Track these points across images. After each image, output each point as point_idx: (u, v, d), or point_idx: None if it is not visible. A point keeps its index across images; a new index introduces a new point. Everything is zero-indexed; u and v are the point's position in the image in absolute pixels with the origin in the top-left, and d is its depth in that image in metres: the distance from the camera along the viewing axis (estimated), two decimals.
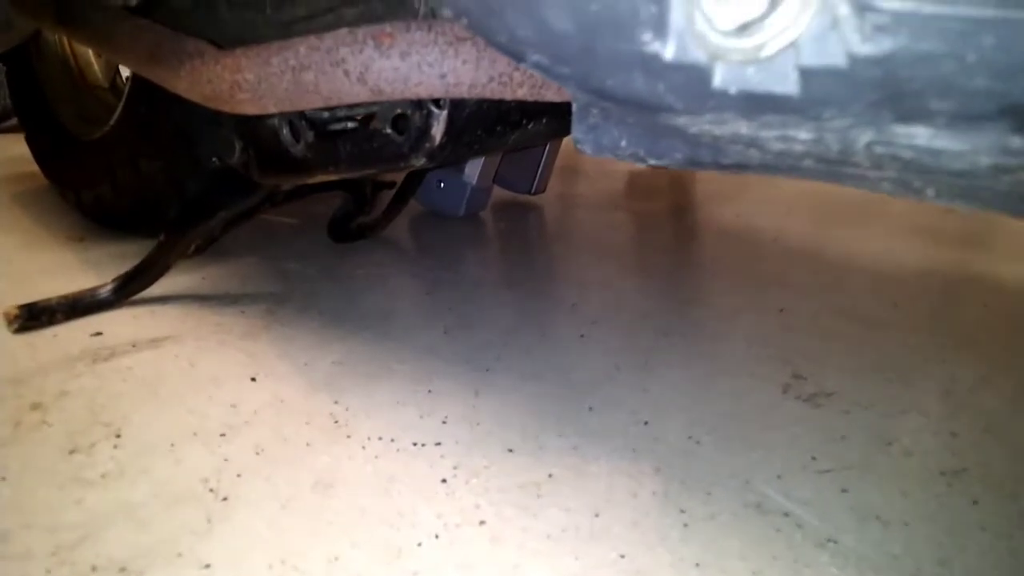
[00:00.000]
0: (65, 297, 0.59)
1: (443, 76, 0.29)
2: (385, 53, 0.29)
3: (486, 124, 0.35)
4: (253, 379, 0.51)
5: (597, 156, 0.25)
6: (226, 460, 0.41)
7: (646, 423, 0.46)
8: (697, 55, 0.16)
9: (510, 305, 0.66)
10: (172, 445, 0.43)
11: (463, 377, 0.52)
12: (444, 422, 0.46)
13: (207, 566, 0.33)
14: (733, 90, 0.16)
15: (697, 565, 0.33)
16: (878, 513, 0.37)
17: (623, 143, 0.24)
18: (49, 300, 0.58)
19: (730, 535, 0.36)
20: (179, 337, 0.57)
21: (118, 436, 0.43)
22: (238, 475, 0.40)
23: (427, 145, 0.36)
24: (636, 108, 0.19)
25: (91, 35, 0.40)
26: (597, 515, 0.37)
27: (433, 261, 0.78)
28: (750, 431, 0.45)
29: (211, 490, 0.39)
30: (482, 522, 0.36)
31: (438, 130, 0.35)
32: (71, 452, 0.42)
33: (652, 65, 0.16)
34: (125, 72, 0.83)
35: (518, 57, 0.23)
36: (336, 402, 0.48)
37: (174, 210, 0.72)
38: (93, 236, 0.82)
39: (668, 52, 0.16)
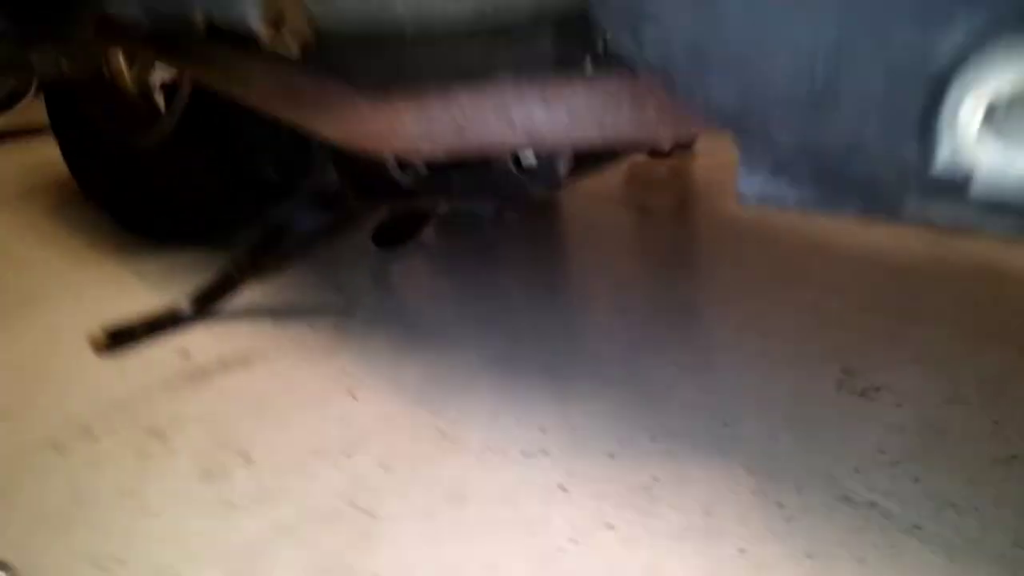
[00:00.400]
0: (145, 316, 0.61)
1: (602, 126, 0.32)
2: (551, 107, 0.32)
3: (598, 157, 0.38)
4: (353, 396, 0.54)
5: (756, 205, 0.28)
6: (357, 477, 0.44)
7: (726, 424, 0.51)
8: (961, 167, 0.19)
9: (560, 309, 0.70)
10: (302, 464, 0.46)
11: (544, 385, 0.55)
12: (543, 431, 0.50)
13: None
14: (983, 197, 0.19)
15: (809, 556, 0.38)
16: (951, 500, 0.42)
17: (792, 199, 0.27)
18: (130, 321, 0.60)
19: (829, 526, 0.41)
20: (263, 354, 0.59)
21: (248, 459, 0.46)
22: (374, 491, 0.43)
23: (549, 179, 0.39)
24: (846, 185, 0.21)
25: (222, 76, 0.41)
26: (709, 514, 0.42)
27: (474, 265, 0.81)
28: (817, 427, 0.50)
29: (355, 506, 0.42)
30: (610, 526, 0.41)
31: (563, 167, 0.38)
32: (206, 477, 0.45)
33: (900, 165, 0.19)
34: (157, 80, 0.82)
35: (712, 119, 0.26)
36: (436, 414, 0.52)
37: (228, 221, 0.74)
38: (137, 248, 0.82)
39: (930, 161, 0.19)
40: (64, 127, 0.91)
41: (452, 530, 0.40)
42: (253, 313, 0.66)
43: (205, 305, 0.62)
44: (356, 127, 0.36)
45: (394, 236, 0.86)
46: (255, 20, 0.32)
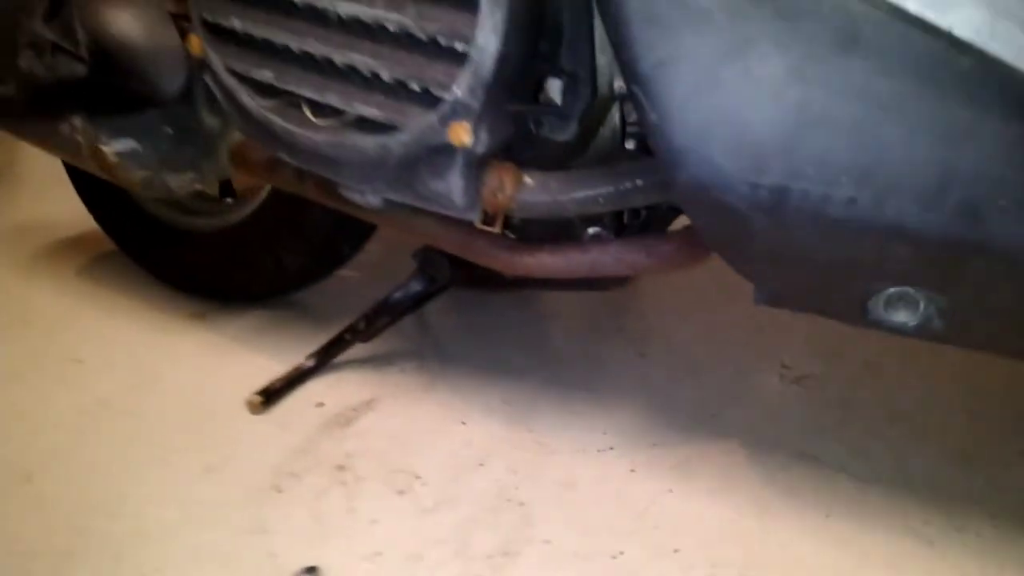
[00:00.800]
0: (282, 377, 0.76)
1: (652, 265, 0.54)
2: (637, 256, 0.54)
3: None
4: (463, 423, 0.73)
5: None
6: (498, 480, 0.65)
7: (713, 415, 0.75)
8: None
9: (594, 337, 0.92)
10: (456, 477, 0.66)
11: (594, 399, 0.77)
12: (604, 433, 0.72)
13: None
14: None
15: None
16: (863, 446, 0.69)
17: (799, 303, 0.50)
18: (273, 382, 0.75)
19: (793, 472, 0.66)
20: (380, 398, 0.77)
21: (418, 476, 0.65)
22: (514, 488, 0.64)
23: (619, 282, 0.61)
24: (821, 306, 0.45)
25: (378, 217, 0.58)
26: (726, 476, 0.66)
27: (514, 308, 1.00)
28: (776, 404, 0.76)
29: (509, 500, 0.63)
30: (670, 490, 0.64)
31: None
32: (399, 493, 0.63)
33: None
34: None
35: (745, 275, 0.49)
36: (529, 429, 0.73)
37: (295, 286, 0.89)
38: (208, 310, 0.94)
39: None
40: (113, 219, 1.00)
41: (580, 501, 0.62)
42: (354, 363, 0.83)
43: (323, 361, 0.78)
44: (510, 264, 0.56)
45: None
46: (472, 215, 0.50)
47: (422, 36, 0.42)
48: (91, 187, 1.02)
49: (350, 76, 0.46)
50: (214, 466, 0.67)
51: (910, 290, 0.40)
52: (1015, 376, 0.82)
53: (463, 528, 0.60)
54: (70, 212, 1.24)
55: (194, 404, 0.77)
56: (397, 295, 0.79)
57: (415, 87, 0.44)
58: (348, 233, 0.87)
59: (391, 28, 0.43)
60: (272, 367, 0.82)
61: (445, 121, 0.43)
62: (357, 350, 0.85)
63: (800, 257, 0.41)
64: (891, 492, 0.66)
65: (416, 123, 0.44)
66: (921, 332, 0.41)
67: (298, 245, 0.86)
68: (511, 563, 0.57)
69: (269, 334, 0.90)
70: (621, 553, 0.58)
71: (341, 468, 0.67)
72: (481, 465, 0.68)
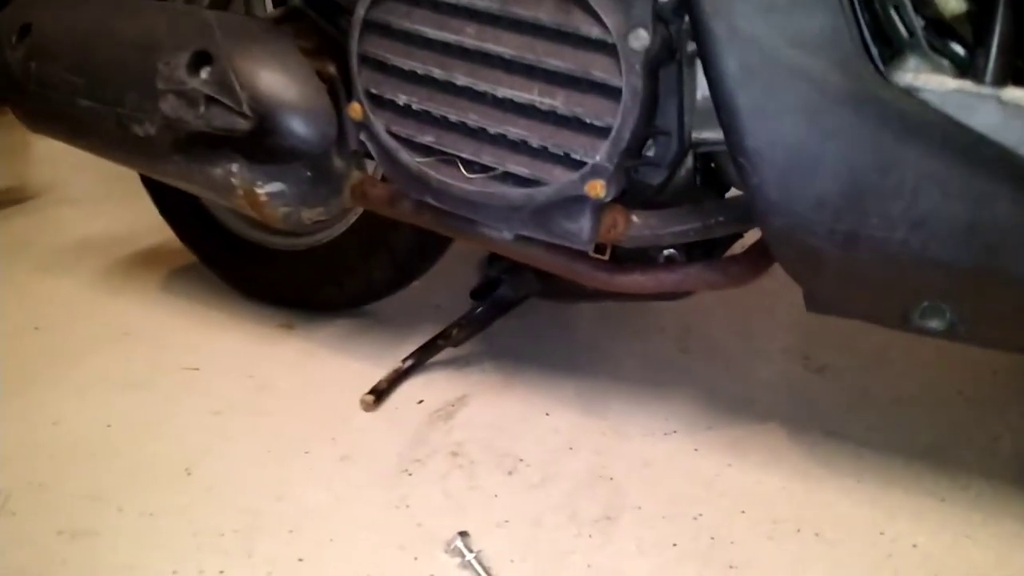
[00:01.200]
0: (385, 377, 0.88)
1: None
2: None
3: None
4: (547, 414, 0.86)
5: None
6: (587, 460, 0.78)
7: (712, 394, 0.89)
8: None
9: (633, 335, 1.04)
10: (554, 459, 0.78)
11: (646, 391, 0.90)
12: (666, 419, 0.85)
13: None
14: None
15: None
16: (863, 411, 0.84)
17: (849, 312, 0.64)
18: (379, 382, 0.87)
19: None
20: (470, 394, 0.89)
21: (521, 459, 0.77)
22: (603, 465, 0.77)
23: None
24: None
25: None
26: (745, 450, 0.79)
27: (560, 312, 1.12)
28: (808, 389, 0.90)
29: (601, 476, 0.76)
30: (729, 464, 0.77)
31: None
32: (509, 473, 0.75)
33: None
34: None
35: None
36: (600, 418, 0.85)
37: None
38: (297, 320, 1.05)
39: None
40: (199, 237, 1.10)
41: (658, 476, 0.76)
42: (441, 364, 0.95)
43: (419, 363, 0.90)
44: (609, 283, 0.68)
45: (489, 292, 1.16)
46: (590, 247, 0.63)
47: (569, 115, 0.54)
48: (180, 213, 1.10)
49: (503, 141, 0.58)
50: (348, 456, 0.78)
51: (941, 304, 0.53)
52: (1003, 363, 0.98)
53: (569, 499, 0.73)
54: (126, 228, 1.34)
55: (312, 405, 0.88)
56: (486, 306, 0.91)
57: (560, 152, 0.56)
58: (429, 248, 0.99)
59: (542, 107, 0.55)
60: (366, 370, 0.93)
61: (584, 179, 0.56)
62: (442, 353, 0.97)
63: (860, 279, 0.54)
64: (906, 461, 0.80)
65: (559, 180, 0.56)
66: (947, 335, 0.54)
67: (387, 261, 0.97)
68: (613, 525, 0.70)
69: (355, 340, 1.02)
70: (700, 515, 0.71)
71: (455, 454, 0.79)
72: (571, 449, 0.81)
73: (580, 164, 0.56)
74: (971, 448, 0.83)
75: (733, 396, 0.92)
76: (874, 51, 0.50)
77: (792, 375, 0.97)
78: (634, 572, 0.65)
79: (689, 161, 0.70)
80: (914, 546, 0.69)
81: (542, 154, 0.57)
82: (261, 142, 0.68)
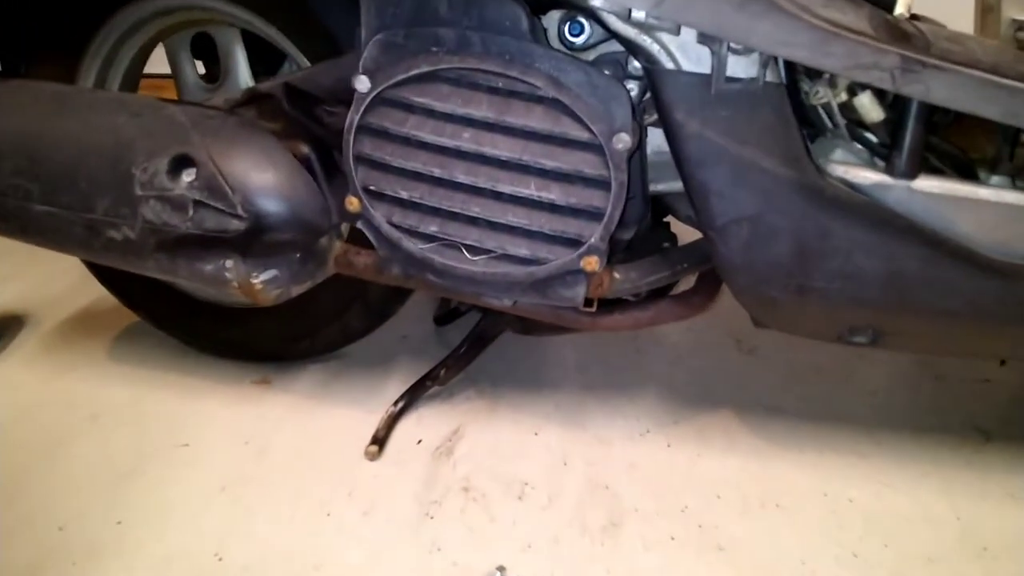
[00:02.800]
0: (382, 425, 0.92)
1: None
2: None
3: None
4: (536, 433, 0.94)
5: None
6: (588, 467, 0.88)
7: (663, 374, 1.03)
8: None
9: (607, 346, 1.14)
10: (552, 476, 0.87)
11: (616, 397, 1.02)
12: (638, 419, 0.97)
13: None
14: None
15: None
16: (798, 382, 1.00)
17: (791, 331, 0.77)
18: (378, 429, 0.91)
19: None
20: (463, 425, 0.96)
21: (527, 483, 0.86)
22: (598, 471, 0.88)
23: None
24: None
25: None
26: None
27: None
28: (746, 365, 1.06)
29: (599, 486, 0.85)
30: (699, 455, 0.90)
31: None
32: (516, 500, 0.84)
33: None
34: None
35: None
36: (584, 429, 0.96)
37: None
38: (271, 373, 1.06)
39: None
40: (155, 306, 1.06)
41: (643, 476, 0.88)
42: (428, 400, 1.00)
43: (409, 404, 0.95)
44: (592, 325, 0.77)
45: (452, 318, 1.21)
46: (580, 303, 0.70)
47: (565, 204, 0.61)
48: (126, 283, 1.06)
49: (504, 228, 0.64)
50: (369, 510, 0.84)
51: (867, 326, 0.67)
52: None
53: (577, 513, 0.83)
54: (49, 289, 1.25)
55: (316, 461, 0.91)
56: (467, 344, 0.97)
57: (558, 235, 0.63)
58: (400, 293, 1.03)
59: (540, 200, 0.62)
60: (356, 415, 0.98)
61: (581, 257, 0.63)
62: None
63: (805, 316, 0.67)
64: (832, 426, 0.98)
65: (559, 259, 0.63)
66: (871, 345, 0.69)
67: (362, 309, 1.00)
68: (620, 530, 0.81)
69: (336, 386, 1.05)
70: (687, 507, 0.84)
71: (466, 490, 0.87)
72: (565, 464, 0.91)
73: (577, 244, 0.64)
74: (879, 407, 1.03)
75: (688, 388, 1.06)
76: (804, 134, 0.62)
77: (730, 359, 1.13)
78: (646, 568, 0.77)
79: (649, 216, 0.80)
80: (850, 500, 0.86)
81: (542, 237, 0.64)
82: (257, 238, 0.70)
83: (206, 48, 1.03)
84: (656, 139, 0.74)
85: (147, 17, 0.93)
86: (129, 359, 1.11)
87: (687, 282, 0.84)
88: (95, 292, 1.19)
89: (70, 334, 1.17)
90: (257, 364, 1.09)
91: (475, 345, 0.98)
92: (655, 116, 0.64)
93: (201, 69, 1.08)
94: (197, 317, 1.07)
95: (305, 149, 0.76)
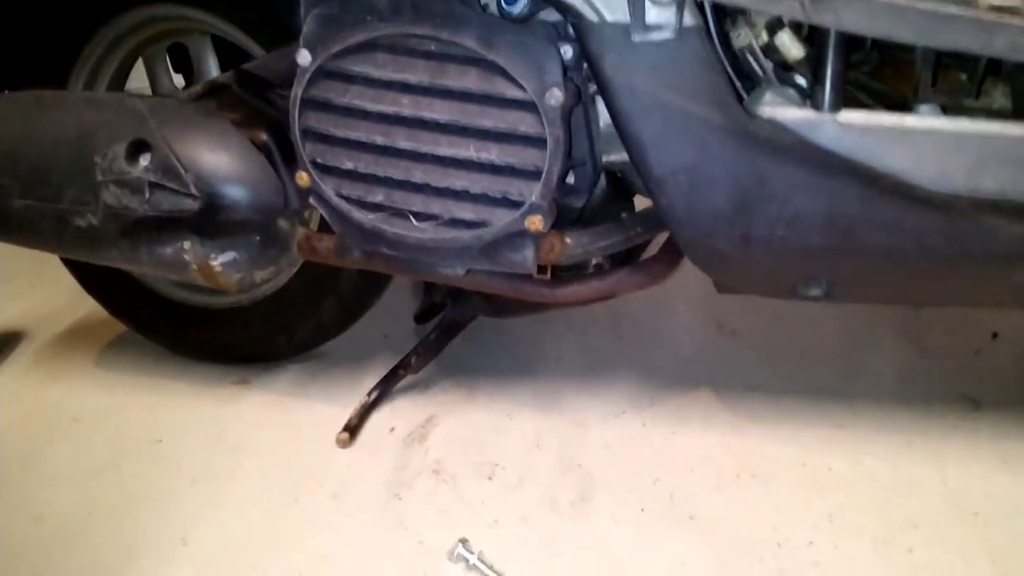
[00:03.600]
0: (355, 414, 0.92)
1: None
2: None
3: None
4: (509, 417, 0.93)
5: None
6: (563, 448, 0.87)
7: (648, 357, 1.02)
8: None
9: (573, 329, 1.14)
10: (527, 459, 0.87)
11: (591, 381, 1.01)
12: (615, 404, 0.96)
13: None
14: None
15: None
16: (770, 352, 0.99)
17: (749, 290, 0.76)
18: (351, 418, 0.91)
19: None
20: (437, 414, 0.96)
21: (497, 465, 0.85)
22: (575, 452, 0.87)
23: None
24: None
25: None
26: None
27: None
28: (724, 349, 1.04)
29: (572, 464, 0.84)
30: (675, 432, 0.89)
31: None
32: (485, 479, 0.83)
33: None
34: None
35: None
36: (562, 415, 0.95)
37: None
38: (250, 374, 1.06)
39: None
40: (123, 298, 1.08)
41: (617, 454, 0.87)
42: (403, 391, 1.00)
43: (383, 394, 0.95)
44: (552, 297, 0.77)
45: (432, 315, 1.22)
46: (534, 271, 0.71)
47: (504, 164, 0.62)
48: (108, 288, 1.09)
49: (448, 193, 0.65)
50: (338, 494, 0.83)
51: (818, 276, 0.67)
52: (878, 308, 1.18)
53: (547, 491, 0.82)
54: (44, 307, 1.29)
55: (289, 454, 0.91)
56: (438, 331, 0.97)
57: (500, 196, 0.64)
58: (373, 285, 1.04)
59: (480, 161, 0.63)
60: (333, 411, 0.98)
61: (524, 217, 0.64)
62: (402, 380, 1.02)
63: (756, 267, 0.66)
64: (812, 399, 0.96)
65: (503, 220, 0.64)
66: (826, 298, 0.68)
67: (335, 303, 1.01)
68: (589, 505, 0.80)
69: (314, 384, 1.05)
70: (659, 480, 0.83)
71: (436, 472, 0.86)
72: (538, 446, 0.90)
73: (519, 204, 0.64)
74: (863, 382, 1.01)
75: (667, 370, 1.05)
76: (739, 86, 0.62)
77: (711, 341, 1.12)
78: (615, 540, 0.75)
79: (602, 181, 0.81)
80: (829, 470, 0.84)
81: (484, 199, 0.65)
82: (211, 218, 0.71)
83: (185, 61, 1.07)
84: (606, 111, 0.75)
85: (125, 32, 0.98)
86: (114, 367, 1.13)
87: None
88: (86, 309, 1.23)
89: (61, 347, 1.19)
90: (237, 366, 1.10)
91: (446, 332, 0.98)
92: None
93: (181, 82, 1.12)
94: (178, 320, 1.09)
95: (264, 136, 0.78)
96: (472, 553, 0.73)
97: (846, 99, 0.59)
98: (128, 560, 0.76)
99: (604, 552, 0.74)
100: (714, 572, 0.71)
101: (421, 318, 1.25)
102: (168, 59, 1.06)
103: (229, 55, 1.03)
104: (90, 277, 1.10)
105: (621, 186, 0.85)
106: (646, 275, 0.78)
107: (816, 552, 0.73)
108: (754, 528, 0.76)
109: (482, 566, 0.71)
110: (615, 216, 0.80)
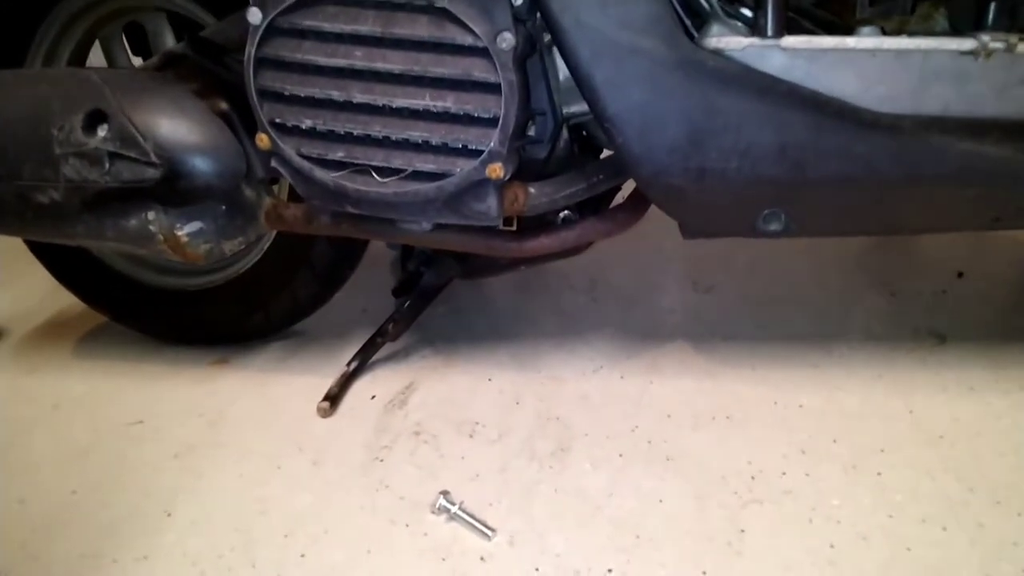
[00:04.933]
0: (335, 383, 0.92)
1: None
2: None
3: None
4: (490, 379, 0.94)
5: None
6: (542, 405, 0.88)
7: (629, 306, 1.03)
8: None
9: (548, 294, 1.16)
10: (503, 415, 0.87)
11: (565, 342, 1.02)
12: (591, 360, 0.97)
13: None
14: None
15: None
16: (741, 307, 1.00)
17: (712, 231, 0.77)
18: (331, 387, 0.91)
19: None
20: (417, 380, 0.97)
21: (478, 423, 0.86)
22: (553, 405, 0.88)
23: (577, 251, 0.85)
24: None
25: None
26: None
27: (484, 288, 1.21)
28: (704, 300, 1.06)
29: (552, 418, 0.85)
30: (650, 380, 0.90)
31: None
32: (468, 437, 0.84)
33: None
34: None
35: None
36: (539, 371, 0.96)
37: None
38: (230, 354, 1.07)
39: None
40: (95, 285, 1.07)
41: (595, 406, 0.88)
42: (384, 360, 1.01)
43: (362, 363, 0.95)
44: (520, 250, 0.77)
45: (410, 288, 1.22)
46: (499, 222, 0.71)
47: (461, 113, 0.63)
48: (80, 276, 1.08)
49: (407, 145, 0.65)
50: (319, 460, 0.84)
51: (775, 210, 0.68)
52: (846, 251, 1.19)
53: (526, 443, 0.83)
54: (19, 304, 1.28)
55: (269, 425, 0.92)
56: (414, 298, 0.98)
57: (459, 145, 0.64)
58: (347, 256, 1.04)
59: (436, 110, 0.63)
60: (313, 382, 0.98)
61: (484, 165, 0.65)
62: (382, 350, 1.03)
63: (714, 204, 0.67)
64: (785, 343, 0.98)
65: (463, 169, 0.65)
66: (787, 233, 0.69)
67: (309, 277, 1.01)
68: (567, 454, 0.81)
69: (294, 359, 1.06)
70: (636, 427, 0.84)
71: (417, 433, 0.87)
72: (517, 403, 0.91)
73: (478, 152, 0.65)
74: (834, 325, 1.03)
75: (643, 327, 1.06)
76: (689, 24, 0.63)
77: (687, 298, 1.13)
78: (593, 485, 0.76)
79: (565, 134, 0.81)
80: (800, 406, 0.85)
81: (444, 150, 0.65)
82: (174, 186, 0.71)
83: (143, 43, 1.06)
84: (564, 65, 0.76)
85: (78, 11, 0.97)
86: (92, 356, 1.12)
87: None
88: (62, 304, 1.23)
89: (37, 340, 1.19)
90: (216, 347, 1.10)
91: (422, 297, 0.98)
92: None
93: (140, 64, 1.11)
94: (152, 305, 1.08)
95: (223, 104, 0.78)
96: (453, 504, 0.73)
97: (794, 28, 0.61)
98: (113, 534, 0.76)
99: (582, 495, 0.75)
100: (690, 507, 0.73)
101: (399, 291, 1.25)
102: (126, 41, 1.05)
103: (188, 33, 1.03)
104: (62, 266, 1.10)
105: (587, 143, 0.86)
106: (612, 223, 0.79)
107: (788, 481, 0.74)
108: (729, 464, 0.77)
109: (463, 515, 0.72)
110: (579, 168, 0.81)
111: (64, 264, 1.09)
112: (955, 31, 0.60)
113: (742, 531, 0.69)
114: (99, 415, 0.98)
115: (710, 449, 0.80)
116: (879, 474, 0.74)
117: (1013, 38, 0.57)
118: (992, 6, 0.57)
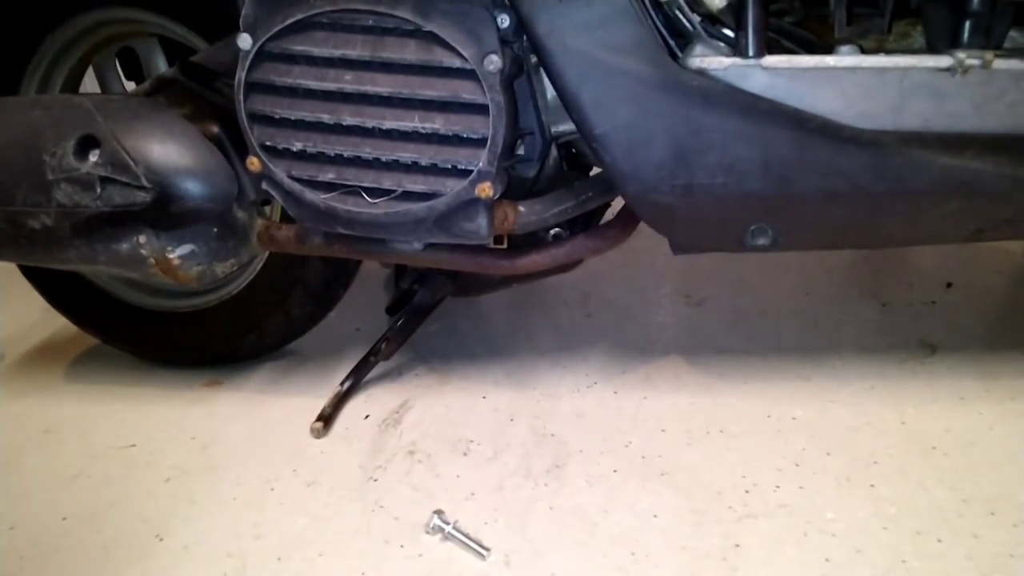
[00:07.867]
0: (329, 401, 0.92)
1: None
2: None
3: None
4: (484, 397, 0.94)
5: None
6: (536, 420, 0.88)
7: (629, 319, 1.03)
8: None
9: (544, 309, 1.16)
10: (498, 433, 0.87)
11: (560, 358, 1.03)
12: (587, 375, 0.97)
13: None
14: None
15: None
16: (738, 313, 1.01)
17: (701, 247, 0.77)
18: (325, 408, 0.91)
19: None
20: (411, 399, 0.96)
21: (473, 441, 0.85)
22: (545, 423, 0.88)
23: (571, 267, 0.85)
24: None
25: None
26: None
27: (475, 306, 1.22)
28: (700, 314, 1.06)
29: (544, 434, 0.85)
30: (644, 396, 0.90)
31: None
32: (462, 456, 0.83)
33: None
34: None
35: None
36: (533, 388, 0.96)
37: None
38: (223, 375, 1.06)
39: None
40: (87, 307, 1.07)
41: (590, 422, 0.88)
42: (377, 379, 1.01)
43: (356, 383, 0.95)
44: (512, 268, 0.78)
45: (403, 306, 1.22)
46: (490, 241, 0.72)
47: (450, 134, 0.63)
48: (72, 299, 1.09)
49: (397, 166, 0.66)
50: (314, 481, 0.83)
51: (762, 225, 0.68)
52: (835, 264, 1.20)
53: (522, 461, 0.83)
54: (10, 328, 1.27)
55: (263, 447, 0.91)
56: (406, 316, 0.98)
57: (448, 165, 0.65)
58: (340, 276, 1.04)
59: (425, 131, 0.64)
60: (307, 403, 0.98)
61: (474, 184, 0.65)
62: (376, 369, 1.03)
63: (703, 219, 0.68)
64: (778, 356, 0.98)
65: (453, 189, 0.65)
66: (774, 248, 0.70)
67: (302, 296, 1.01)
68: (563, 471, 0.81)
69: (288, 380, 1.05)
70: (631, 442, 0.84)
71: (412, 453, 0.86)
72: (512, 420, 0.91)
73: (467, 172, 0.66)
74: (826, 337, 1.03)
75: (637, 342, 1.07)
76: (672, 44, 0.64)
77: (679, 312, 1.14)
78: (589, 502, 0.76)
79: (554, 152, 0.82)
80: (793, 418, 0.86)
81: (433, 170, 0.66)
82: (165, 209, 0.72)
83: (135, 68, 1.07)
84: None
85: (73, 38, 0.98)
86: (84, 379, 1.12)
87: None
88: (53, 327, 1.23)
89: (29, 364, 1.18)
90: (209, 369, 1.10)
91: (414, 315, 0.99)
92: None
93: (132, 87, 1.12)
94: (144, 327, 1.08)
95: (215, 128, 0.79)
96: (448, 524, 0.73)
97: (775, 48, 0.62)
98: (105, 560, 0.75)
99: (578, 513, 0.75)
100: (686, 522, 0.72)
101: (393, 310, 1.25)
102: (119, 66, 1.06)
103: (180, 57, 1.04)
104: (54, 290, 1.10)
105: (576, 161, 0.87)
106: (602, 240, 0.80)
107: (783, 495, 0.74)
108: (723, 478, 0.77)
109: (458, 535, 0.72)
110: (568, 186, 0.81)
111: (56, 286, 1.09)
112: (932, 49, 0.62)
113: (737, 546, 0.69)
114: (91, 439, 0.97)
115: (705, 463, 0.80)
116: (873, 486, 0.74)
117: (988, 55, 0.58)
118: (967, 24, 0.58)
